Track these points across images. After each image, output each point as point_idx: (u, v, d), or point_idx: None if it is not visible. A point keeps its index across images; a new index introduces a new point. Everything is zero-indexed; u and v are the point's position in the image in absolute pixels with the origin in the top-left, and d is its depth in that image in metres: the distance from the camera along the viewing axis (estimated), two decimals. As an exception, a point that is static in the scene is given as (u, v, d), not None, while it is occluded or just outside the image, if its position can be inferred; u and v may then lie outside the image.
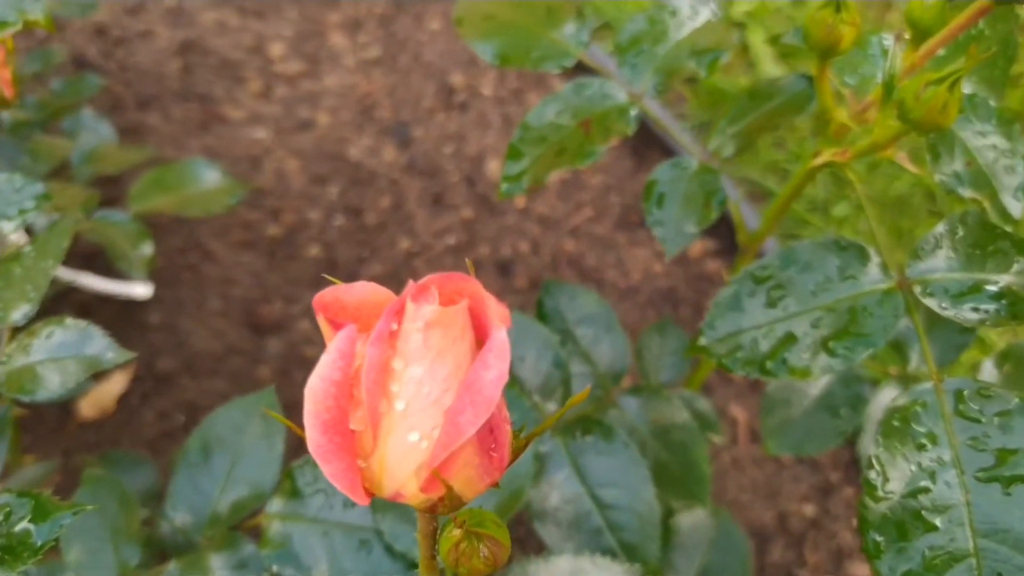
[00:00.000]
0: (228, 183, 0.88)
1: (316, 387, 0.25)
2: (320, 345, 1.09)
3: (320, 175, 1.39)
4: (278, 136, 1.43)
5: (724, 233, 1.27)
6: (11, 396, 0.51)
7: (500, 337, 0.26)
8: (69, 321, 0.53)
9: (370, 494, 0.28)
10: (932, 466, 0.40)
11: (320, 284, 1.20)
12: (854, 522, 1.06)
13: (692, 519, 0.66)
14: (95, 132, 1.16)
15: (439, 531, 0.33)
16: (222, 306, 1.29)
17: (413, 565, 0.50)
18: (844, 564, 1.03)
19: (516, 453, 0.29)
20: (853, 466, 1.09)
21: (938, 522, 0.40)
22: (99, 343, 0.52)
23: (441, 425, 0.26)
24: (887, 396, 0.62)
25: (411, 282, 0.26)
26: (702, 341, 0.48)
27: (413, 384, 0.26)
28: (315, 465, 0.52)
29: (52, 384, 0.51)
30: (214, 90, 1.49)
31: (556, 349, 0.56)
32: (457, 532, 0.32)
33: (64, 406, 1.19)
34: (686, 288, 1.25)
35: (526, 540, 0.89)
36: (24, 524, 0.42)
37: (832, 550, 1.04)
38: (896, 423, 0.41)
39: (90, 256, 1.27)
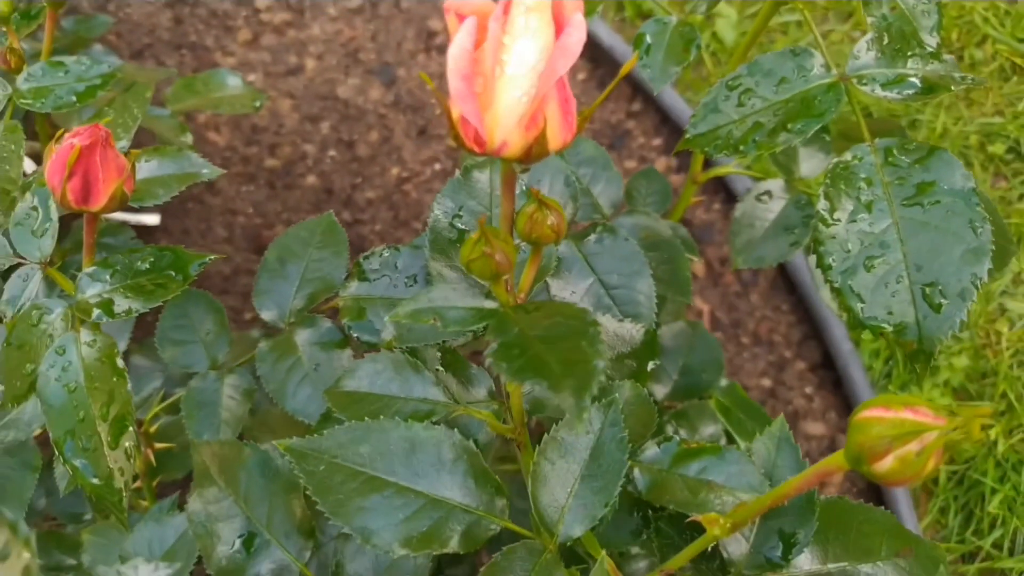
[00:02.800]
0: (250, 90, 0.99)
1: (456, 53, 0.37)
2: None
3: (312, 114, 1.50)
4: (269, 79, 1.53)
5: (685, 154, 1.41)
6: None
7: (577, 17, 0.38)
8: (167, 149, 0.64)
9: (481, 150, 0.40)
10: (868, 199, 0.54)
11: (319, 208, 1.30)
12: (807, 390, 1.21)
13: (673, 329, 0.79)
14: (107, 65, 1.25)
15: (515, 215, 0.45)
16: (227, 233, 1.39)
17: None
18: (799, 424, 1.17)
19: (580, 125, 0.41)
20: (804, 344, 1.24)
21: (874, 240, 0.53)
22: (196, 162, 0.63)
23: (537, 83, 0.38)
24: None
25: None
26: (687, 136, 0.60)
27: (517, 54, 0.38)
28: (379, 256, 0.64)
29: (157, 194, 0.62)
30: (204, 39, 1.59)
31: (566, 171, 0.69)
32: (531, 206, 0.44)
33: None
34: (653, 200, 1.38)
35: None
36: (168, 271, 0.53)
37: (788, 413, 1.18)
38: (840, 171, 0.54)
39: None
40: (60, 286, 0.55)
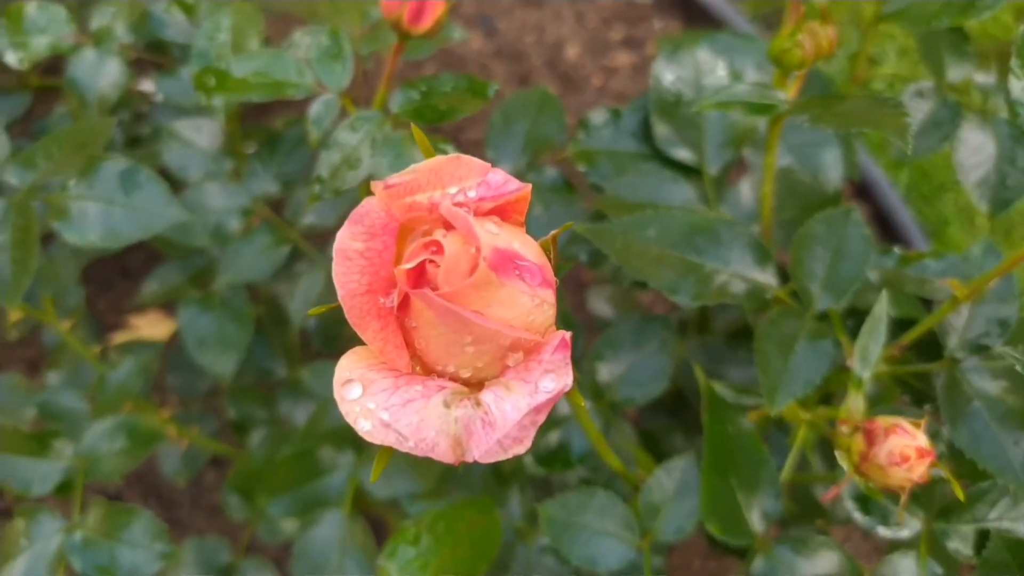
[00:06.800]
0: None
1: None
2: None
3: (417, 60, 1.58)
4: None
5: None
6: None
7: None
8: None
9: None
10: (1053, 59, 0.63)
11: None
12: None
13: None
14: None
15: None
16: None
17: (685, 172, 0.70)
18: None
19: None
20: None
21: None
22: (452, 28, 0.72)
23: None
24: (972, 122, 0.85)
25: None
26: (884, 13, 0.70)
27: None
28: (602, 114, 0.73)
29: (420, 50, 0.71)
30: (313, -9, 1.68)
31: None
32: (815, 21, 0.53)
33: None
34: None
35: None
36: (467, 92, 0.62)
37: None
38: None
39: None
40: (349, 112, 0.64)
